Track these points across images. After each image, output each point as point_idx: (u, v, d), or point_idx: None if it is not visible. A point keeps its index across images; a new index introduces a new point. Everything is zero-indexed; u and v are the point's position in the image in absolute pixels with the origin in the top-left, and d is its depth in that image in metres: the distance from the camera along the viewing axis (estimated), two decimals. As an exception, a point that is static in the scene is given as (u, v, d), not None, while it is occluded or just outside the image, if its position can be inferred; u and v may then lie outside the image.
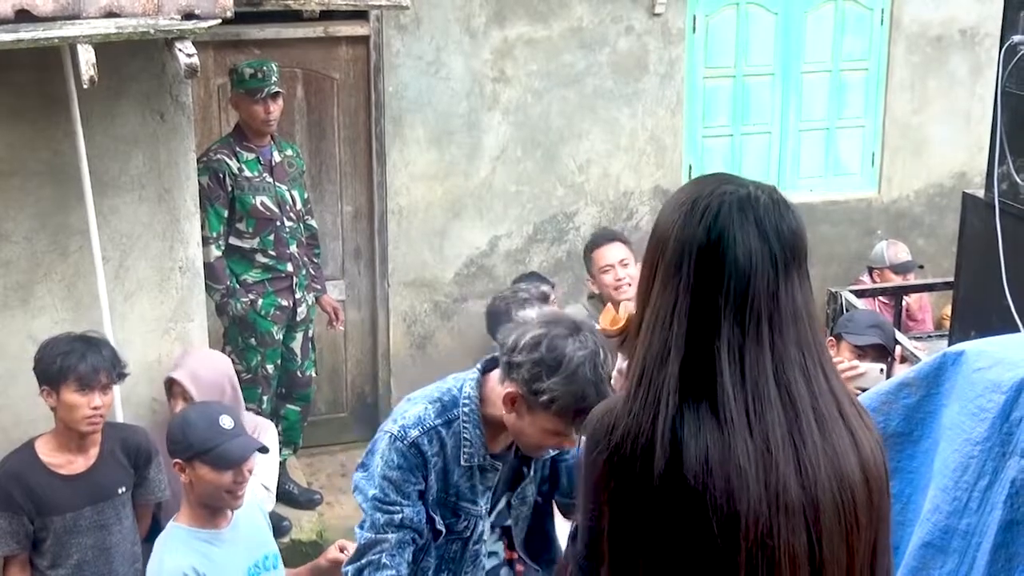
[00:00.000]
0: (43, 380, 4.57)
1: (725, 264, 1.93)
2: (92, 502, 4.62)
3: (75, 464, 4.64)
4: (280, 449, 6.57)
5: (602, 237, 6.31)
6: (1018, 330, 4.33)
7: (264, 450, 4.17)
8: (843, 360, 4.85)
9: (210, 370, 5.15)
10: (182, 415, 4.26)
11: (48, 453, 4.63)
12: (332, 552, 4.03)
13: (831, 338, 5.34)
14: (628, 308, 2.28)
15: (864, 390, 4.75)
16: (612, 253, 6.04)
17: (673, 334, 1.94)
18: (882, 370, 4.91)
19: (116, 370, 4.66)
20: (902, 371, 3.41)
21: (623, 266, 5.99)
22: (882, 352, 5.18)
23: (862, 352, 5.15)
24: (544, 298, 5.79)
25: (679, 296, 1.95)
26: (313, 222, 6.74)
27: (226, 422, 4.04)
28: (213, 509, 4.07)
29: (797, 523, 1.93)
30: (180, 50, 4.60)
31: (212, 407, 4.33)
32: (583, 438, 2.04)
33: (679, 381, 1.93)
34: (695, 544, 1.91)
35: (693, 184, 2.07)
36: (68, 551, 4.59)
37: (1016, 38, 4.67)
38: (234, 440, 4.01)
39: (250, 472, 4.06)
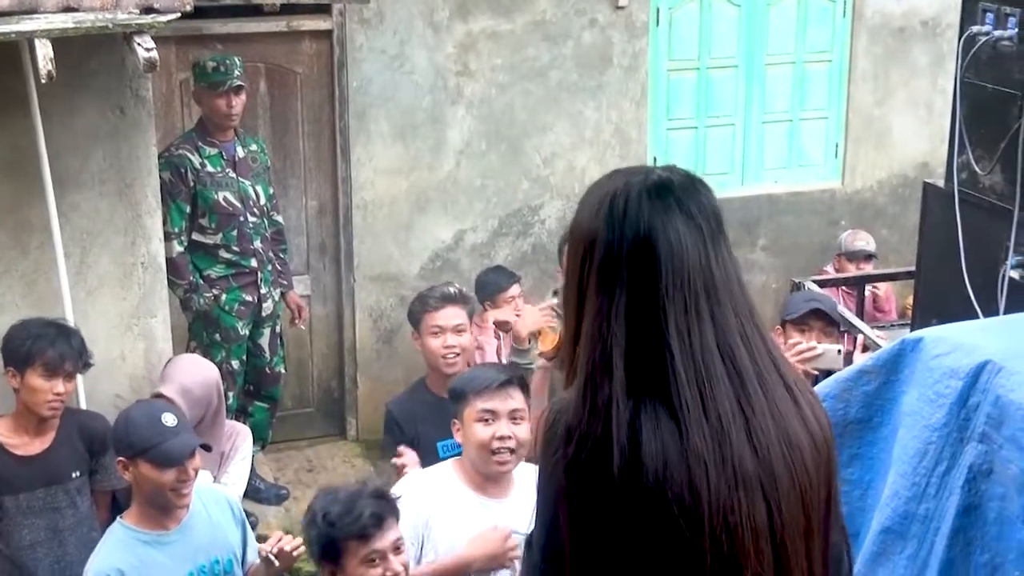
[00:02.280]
0: (9, 361, 4.66)
1: (658, 252, 1.94)
2: (45, 484, 4.66)
3: (31, 446, 4.71)
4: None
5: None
6: (978, 317, 4.36)
7: (207, 448, 4.12)
8: (800, 342, 4.87)
9: (200, 385, 5.04)
10: (125, 413, 4.22)
11: (5, 433, 4.70)
12: (271, 544, 4.04)
13: (778, 327, 5.36)
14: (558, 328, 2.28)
15: (822, 371, 4.80)
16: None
17: (614, 333, 1.94)
18: (839, 350, 4.94)
19: (82, 359, 4.71)
20: (863, 359, 3.42)
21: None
22: (825, 321, 5.19)
23: (806, 327, 5.17)
24: (450, 298, 5.51)
25: (616, 296, 1.95)
26: (279, 217, 6.72)
27: (168, 420, 4.00)
28: (161, 508, 4.04)
29: (755, 494, 1.94)
30: (139, 44, 4.57)
31: (156, 405, 4.30)
32: (539, 444, 2.04)
33: (626, 380, 1.93)
34: (659, 537, 1.92)
35: (598, 186, 2.06)
36: (20, 532, 4.64)
37: (974, 29, 4.71)
38: (176, 438, 3.96)
39: (196, 471, 4.03)
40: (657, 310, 1.94)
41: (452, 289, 5.58)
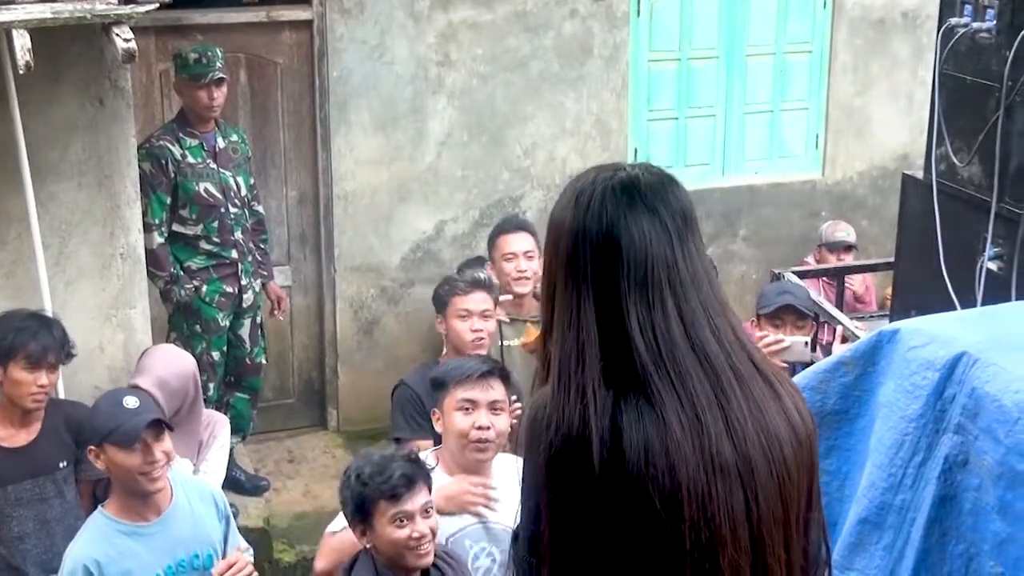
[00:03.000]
0: None
1: (621, 247, 1.97)
2: (32, 475, 4.67)
3: (17, 437, 4.71)
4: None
5: (510, 224, 6.20)
6: (956, 308, 4.38)
7: (169, 427, 4.10)
8: (767, 335, 4.92)
9: (177, 376, 5.02)
10: (94, 404, 4.25)
11: None
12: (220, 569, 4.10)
13: (753, 319, 5.40)
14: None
15: (789, 363, 4.83)
16: (518, 242, 5.92)
17: (584, 327, 1.97)
18: (807, 343, 4.97)
19: (65, 350, 4.72)
20: (842, 350, 3.44)
21: (527, 258, 5.89)
22: (797, 315, 5.25)
23: (779, 321, 5.23)
24: (479, 284, 5.67)
25: (582, 289, 1.98)
26: (260, 208, 6.70)
27: (129, 402, 4.02)
28: (141, 498, 4.04)
29: (733, 483, 1.96)
30: (117, 35, 4.56)
31: (119, 391, 4.33)
32: (522, 437, 2.06)
33: (601, 371, 1.95)
34: (639, 526, 1.93)
35: (572, 182, 2.10)
36: (8, 524, 4.64)
37: (953, 21, 4.72)
38: (136, 418, 3.98)
39: (166, 454, 4.03)
40: (620, 305, 1.96)
41: (482, 275, 5.73)
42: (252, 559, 4.43)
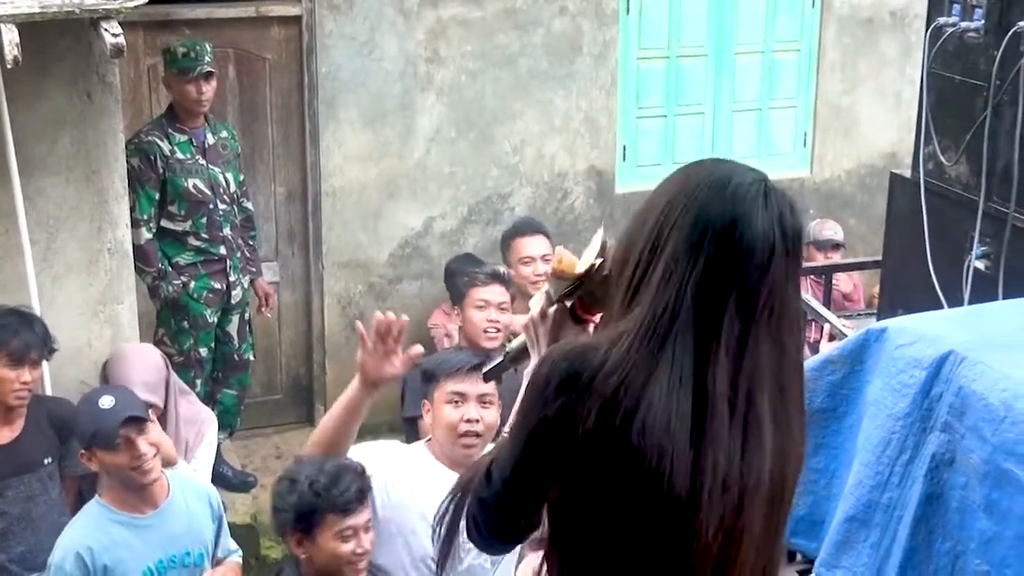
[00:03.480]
0: None
1: (743, 248, 1.95)
2: (17, 473, 4.65)
3: (0, 435, 4.66)
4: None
5: (526, 227, 6.21)
6: (943, 307, 4.40)
7: (141, 419, 4.08)
8: None
9: (153, 371, 5.07)
10: (75, 408, 4.28)
11: None
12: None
13: None
14: (586, 257, 2.26)
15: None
16: (535, 246, 5.96)
17: (684, 298, 1.94)
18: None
19: (47, 347, 4.70)
20: (829, 348, 3.45)
21: (545, 261, 5.91)
22: None
23: None
24: (498, 277, 5.75)
25: (696, 267, 1.95)
26: (249, 204, 6.69)
27: (105, 402, 4.03)
28: (137, 491, 4.06)
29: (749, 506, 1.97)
30: (106, 30, 4.55)
31: (95, 392, 4.35)
32: (546, 366, 2.01)
33: (676, 353, 1.93)
34: (648, 513, 1.93)
35: (715, 162, 2.08)
36: None
37: (941, 20, 4.73)
38: (113, 418, 3.99)
39: (152, 445, 4.04)
40: (718, 301, 1.95)
41: (502, 268, 5.87)
42: (240, 559, 4.43)
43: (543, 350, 2.26)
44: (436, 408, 4.04)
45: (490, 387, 4.06)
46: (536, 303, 2.33)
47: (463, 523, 2.17)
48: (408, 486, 3.92)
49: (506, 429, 2.17)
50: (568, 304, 2.29)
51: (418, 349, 3.74)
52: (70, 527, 4.12)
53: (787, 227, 1.98)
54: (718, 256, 1.95)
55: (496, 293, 5.61)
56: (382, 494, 3.90)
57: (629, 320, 1.98)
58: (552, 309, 2.30)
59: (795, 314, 2.03)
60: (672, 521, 1.93)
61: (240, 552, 4.48)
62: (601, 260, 2.22)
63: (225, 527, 4.40)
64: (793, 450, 2.03)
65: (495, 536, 2.14)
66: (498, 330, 5.54)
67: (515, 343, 2.46)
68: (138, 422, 4.02)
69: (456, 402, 4.00)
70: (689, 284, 1.94)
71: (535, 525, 2.09)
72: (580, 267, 2.25)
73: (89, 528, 4.05)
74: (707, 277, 1.94)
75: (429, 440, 4.16)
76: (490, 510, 2.10)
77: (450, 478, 3.96)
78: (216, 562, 4.33)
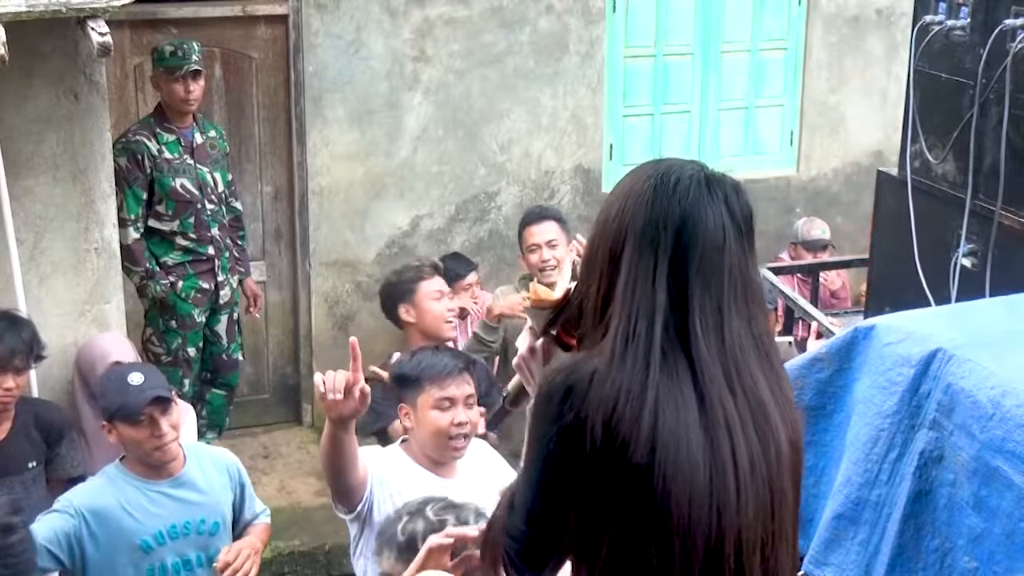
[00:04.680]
0: None
1: (698, 237, 2.01)
2: (1, 476, 4.60)
3: None
4: (204, 432, 6.53)
5: (532, 216, 6.18)
6: (930, 304, 4.41)
7: (167, 400, 4.12)
8: None
9: (115, 353, 5.08)
10: (101, 378, 4.31)
11: None
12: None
13: None
14: (561, 283, 2.28)
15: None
16: (540, 233, 5.94)
17: (658, 301, 1.99)
18: (791, 343, 5.00)
19: (34, 352, 4.66)
20: (817, 346, 3.45)
21: (551, 247, 5.91)
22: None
23: None
24: (437, 268, 5.83)
25: (658, 264, 2.01)
26: (237, 204, 6.68)
27: (134, 379, 4.08)
28: (152, 467, 4.14)
29: (749, 491, 2.00)
30: (93, 29, 4.54)
31: (127, 367, 4.39)
32: (544, 387, 2.04)
33: (662, 348, 1.98)
34: (649, 512, 1.95)
35: (654, 164, 2.13)
36: None
37: (927, 18, 4.74)
38: (141, 394, 4.03)
39: (173, 427, 4.10)
40: (684, 292, 2.00)
41: (434, 259, 6.04)
42: (268, 519, 4.46)
43: (534, 381, 2.30)
44: (420, 413, 4.01)
45: (472, 387, 4.07)
46: (523, 341, 2.35)
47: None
48: (391, 491, 3.90)
49: (521, 462, 2.17)
50: (553, 333, 2.30)
51: (381, 374, 3.86)
52: (87, 484, 4.23)
53: (734, 210, 2.06)
54: (676, 251, 2.01)
55: (442, 283, 5.71)
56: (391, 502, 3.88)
57: (608, 328, 2.02)
58: (539, 343, 2.31)
59: (757, 286, 2.10)
60: (708, 510, 1.96)
61: (268, 512, 4.52)
62: (576, 282, 2.23)
63: (249, 491, 4.43)
64: (794, 412, 2.11)
65: (531, 566, 2.15)
66: (459, 316, 5.73)
67: (511, 384, 2.48)
68: (163, 402, 4.07)
69: (445, 407, 3.98)
70: (656, 282, 2.00)
71: (568, 548, 2.10)
72: (557, 293, 2.28)
73: (107, 486, 4.12)
74: (671, 271, 2.00)
75: (404, 442, 4.14)
76: (520, 540, 2.12)
77: (429, 479, 3.98)
78: (244, 524, 4.37)
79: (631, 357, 1.97)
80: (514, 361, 2.38)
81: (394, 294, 5.70)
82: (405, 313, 5.64)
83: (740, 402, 2.00)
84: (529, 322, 2.35)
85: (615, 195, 2.11)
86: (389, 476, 3.91)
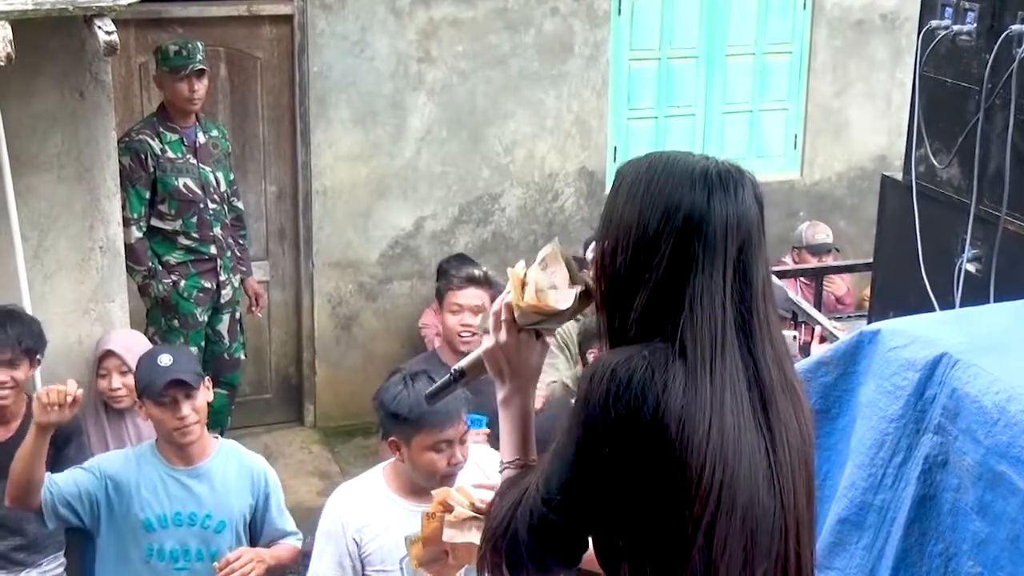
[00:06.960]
0: None
1: (752, 238, 2.07)
2: (5, 475, 4.60)
3: None
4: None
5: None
6: (934, 309, 4.41)
7: (188, 384, 4.19)
8: None
9: (140, 343, 5.14)
10: (139, 358, 4.45)
11: None
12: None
13: None
14: (562, 290, 2.22)
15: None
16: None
17: (727, 301, 2.03)
18: (795, 337, 5.00)
19: (23, 345, 4.64)
20: (821, 350, 3.45)
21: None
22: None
23: None
24: (474, 280, 5.63)
25: (726, 265, 2.03)
26: (239, 204, 6.69)
27: (163, 360, 4.23)
28: (176, 447, 4.25)
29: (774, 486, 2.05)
30: (99, 27, 4.54)
31: (161, 348, 4.68)
32: (594, 391, 2.01)
33: (731, 347, 2.03)
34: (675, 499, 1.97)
35: (687, 159, 2.11)
36: None
37: (933, 23, 4.74)
38: (165, 376, 4.16)
39: (194, 410, 4.21)
40: (745, 289, 2.05)
41: (478, 271, 5.76)
42: (299, 543, 4.46)
43: (510, 375, 2.26)
44: (415, 454, 3.79)
45: (464, 420, 3.93)
46: (501, 333, 2.25)
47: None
48: (375, 532, 3.84)
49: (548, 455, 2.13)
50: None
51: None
52: (120, 452, 4.46)
53: (758, 194, 2.11)
54: (740, 253, 2.04)
55: (470, 297, 5.46)
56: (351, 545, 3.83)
57: (672, 326, 2.02)
58: (520, 335, 2.26)
59: (769, 277, 2.14)
60: (762, 502, 2.01)
61: (300, 537, 4.47)
62: (581, 288, 2.19)
63: (277, 505, 4.43)
64: (808, 407, 2.18)
65: (557, 557, 2.12)
66: (473, 334, 5.37)
67: (464, 362, 2.39)
68: (185, 386, 4.17)
69: (441, 449, 3.86)
70: (724, 283, 2.02)
71: (584, 546, 2.11)
72: (561, 304, 2.18)
73: (135, 458, 4.29)
74: (735, 273, 2.04)
75: (385, 467, 4.03)
76: (542, 531, 2.08)
77: (407, 508, 3.88)
78: (268, 540, 4.39)
79: (705, 358, 2.00)
80: (485, 347, 2.30)
81: (438, 289, 5.72)
82: (436, 311, 5.66)
83: (788, 400, 2.08)
84: (511, 315, 2.24)
85: (633, 199, 2.07)
86: (360, 524, 3.86)
